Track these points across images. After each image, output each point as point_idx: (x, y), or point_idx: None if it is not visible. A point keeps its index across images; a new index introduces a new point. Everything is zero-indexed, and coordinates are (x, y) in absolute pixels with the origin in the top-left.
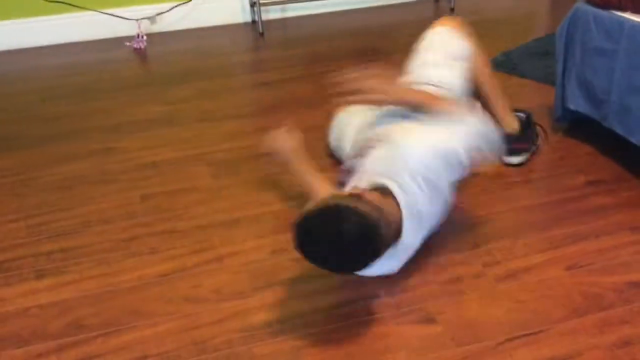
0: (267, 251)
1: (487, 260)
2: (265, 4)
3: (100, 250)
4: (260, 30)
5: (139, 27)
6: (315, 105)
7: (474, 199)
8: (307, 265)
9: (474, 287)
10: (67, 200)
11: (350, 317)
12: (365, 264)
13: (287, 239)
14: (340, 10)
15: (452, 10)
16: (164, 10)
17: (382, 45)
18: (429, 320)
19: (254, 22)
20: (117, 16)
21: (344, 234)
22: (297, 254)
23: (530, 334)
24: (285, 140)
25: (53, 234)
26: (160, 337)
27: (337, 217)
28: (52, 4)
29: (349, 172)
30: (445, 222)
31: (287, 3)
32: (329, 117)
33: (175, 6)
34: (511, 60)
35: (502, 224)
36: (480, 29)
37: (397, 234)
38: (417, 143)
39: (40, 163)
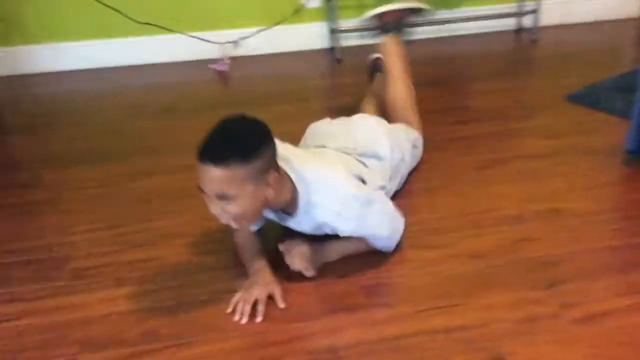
0: (336, 275)
1: (563, 301)
2: (344, 31)
3: (177, 262)
4: (338, 57)
5: (223, 50)
6: None
7: (552, 235)
8: (373, 293)
9: (550, 328)
10: (148, 212)
11: (417, 350)
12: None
13: (357, 263)
14: (418, 39)
15: (534, 42)
16: (247, 35)
17: (457, 75)
18: None
19: (332, 48)
20: (203, 39)
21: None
22: (363, 281)
23: None
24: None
25: (134, 244)
26: (228, 353)
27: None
28: (143, 25)
29: None
30: (520, 258)
31: (365, 30)
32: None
33: (259, 31)
34: (594, 94)
35: (580, 264)
36: (563, 62)
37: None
38: None
39: (125, 176)
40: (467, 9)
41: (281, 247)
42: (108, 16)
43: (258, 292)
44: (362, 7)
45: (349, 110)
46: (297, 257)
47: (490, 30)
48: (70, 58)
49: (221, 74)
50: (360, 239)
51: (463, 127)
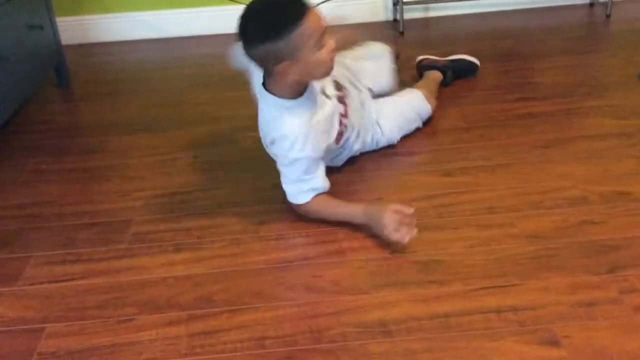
0: (389, 250)
1: (624, 287)
2: (407, 3)
3: (232, 231)
4: (401, 29)
5: None
6: (448, 105)
7: (616, 219)
8: (426, 270)
9: (608, 314)
10: (208, 181)
11: (468, 329)
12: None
13: (411, 241)
14: (484, 12)
15: (607, 16)
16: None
17: (523, 50)
18: (553, 343)
19: (395, 20)
20: None
21: None
22: (416, 257)
23: None
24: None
25: (192, 212)
26: (279, 321)
27: None
28: None
29: None
30: (580, 241)
31: (430, 3)
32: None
33: (318, 4)
34: None
35: None
36: (638, 39)
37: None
38: None
39: (185, 144)
40: None
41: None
42: None
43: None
44: None
45: (410, 83)
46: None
47: (561, 4)
48: (139, 27)
49: None
50: None
51: (527, 104)
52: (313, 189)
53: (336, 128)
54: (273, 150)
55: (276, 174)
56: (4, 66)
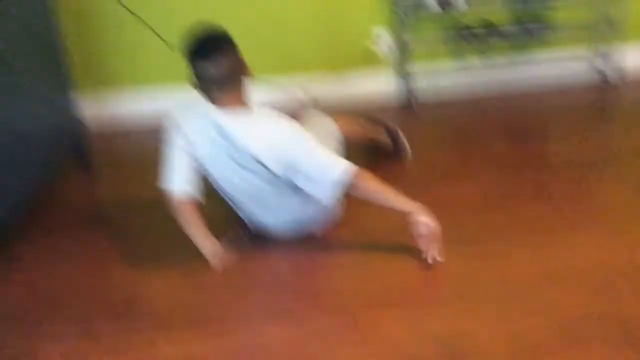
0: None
1: None
2: (415, 75)
3: None
4: (409, 102)
5: (296, 93)
6: (463, 178)
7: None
8: None
9: None
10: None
11: None
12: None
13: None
14: (491, 85)
15: (614, 88)
16: (313, 78)
17: (531, 120)
18: None
19: (401, 92)
20: (276, 83)
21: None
22: None
23: None
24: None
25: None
26: None
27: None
28: None
29: None
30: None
31: (437, 75)
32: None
33: (327, 75)
34: None
35: None
36: None
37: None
38: None
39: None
40: (546, 51)
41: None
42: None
43: None
44: (432, 53)
45: (420, 156)
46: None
47: (568, 74)
48: (160, 102)
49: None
50: None
51: (542, 177)
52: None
53: None
54: (295, 147)
55: None
56: (26, 146)
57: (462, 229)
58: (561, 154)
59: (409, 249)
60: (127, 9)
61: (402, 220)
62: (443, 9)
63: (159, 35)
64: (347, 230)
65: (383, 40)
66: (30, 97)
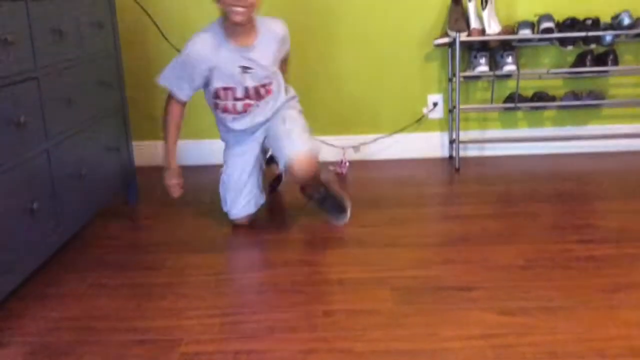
0: None
1: None
2: (464, 142)
3: (280, 357)
4: (457, 166)
5: (343, 154)
6: (506, 242)
7: None
8: None
9: None
10: (259, 304)
11: None
12: None
13: None
14: (540, 153)
15: None
16: (367, 141)
17: (583, 192)
18: None
19: (451, 157)
20: (326, 143)
21: None
22: None
23: None
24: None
25: (241, 334)
26: None
27: None
28: None
29: None
30: None
31: (486, 142)
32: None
33: (378, 138)
34: None
35: None
36: None
37: None
38: None
39: (239, 266)
40: (595, 126)
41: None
42: None
43: None
44: (482, 120)
45: (466, 217)
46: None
47: (622, 149)
48: (205, 154)
49: (340, 176)
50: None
51: (588, 247)
52: None
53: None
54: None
55: (328, 302)
56: (78, 183)
57: (499, 291)
58: (611, 225)
59: None
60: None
61: None
62: (496, 77)
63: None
64: None
65: (437, 106)
66: (93, 140)
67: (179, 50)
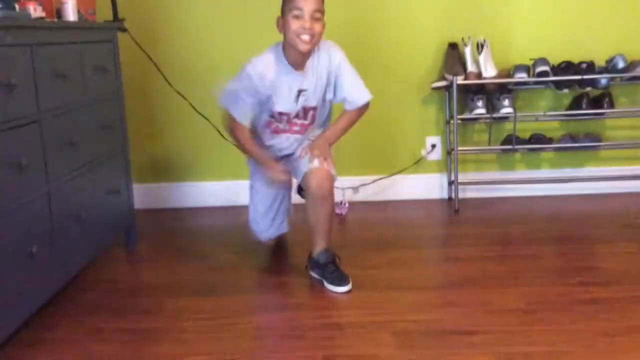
0: None
1: None
2: (463, 184)
3: None
4: (456, 208)
5: (343, 195)
6: (506, 285)
7: None
8: None
9: None
10: (257, 349)
11: None
12: None
13: None
14: (539, 195)
15: None
16: (367, 182)
17: (582, 234)
18: None
19: (450, 199)
20: None
21: None
22: None
23: None
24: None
25: None
26: None
27: None
28: None
29: None
30: None
31: (484, 184)
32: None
33: (378, 179)
34: None
35: None
36: None
37: None
38: None
39: (238, 310)
40: (593, 168)
41: (300, 151)
42: (243, 158)
43: None
44: (481, 162)
45: (466, 260)
46: (322, 148)
47: (620, 191)
48: (206, 196)
49: (340, 217)
50: (351, 118)
51: (590, 289)
52: None
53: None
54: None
55: (327, 346)
56: (78, 226)
57: (500, 335)
58: (612, 267)
59: None
60: (185, 98)
61: None
62: (493, 120)
63: (213, 124)
64: None
65: (435, 148)
66: (94, 182)
67: (181, 94)
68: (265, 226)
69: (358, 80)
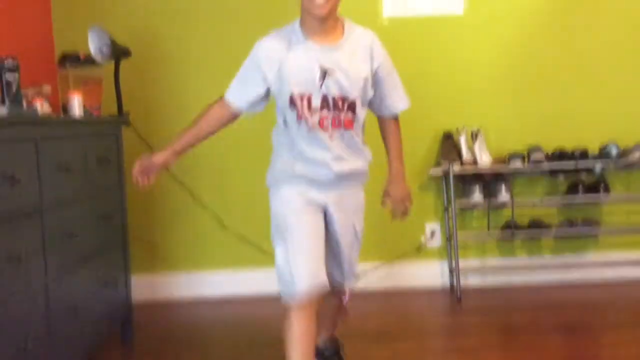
0: None
1: None
2: (464, 271)
3: None
4: (458, 296)
5: None
6: None
7: None
8: None
9: None
10: None
11: None
12: None
13: None
14: (540, 282)
15: None
16: (367, 269)
17: (586, 323)
18: None
19: (452, 287)
20: None
21: None
22: None
23: None
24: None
25: None
26: None
27: None
28: (270, 258)
29: None
30: None
31: (486, 271)
32: None
33: (378, 266)
34: None
35: None
36: None
37: None
38: None
39: None
40: (594, 254)
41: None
42: (243, 247)
43: None
44: (481, 248)
45: (470, 350)
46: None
47: (622, 277)
48: (206, 286)
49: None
50: (395, 132)
51: None
52: None
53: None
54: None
55: None
56: (73, 319)
57: None
58: (620, 354)
59: None
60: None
61: None
62: (491, 206)
63: (217, 215)
64: None
65: (435, 235)
66: (92, 275)
67: (182, 183)
68: (302, 265)
69: (399, 82)
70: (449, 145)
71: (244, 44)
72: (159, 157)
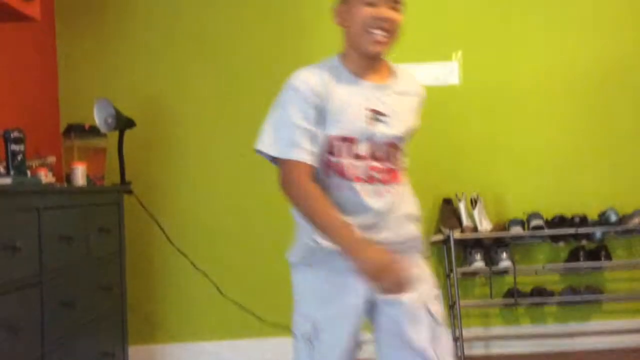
0: None
1: None
2: (468, 340)
3: None
4: None
5: None
6: None
7: None
8: None
9: None
10: None
11: None
12: None
13: None
14: (545, 351)
15: None
16: (368, 340)
17: None
18: None
19: (456, 356)
20: None
21: None
22: None
23: None
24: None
25: None
26: None
27: None
28: (272, 326)
29: None
30: None
31: (490, 340)
32: None
33: None
34: None
35: None
36: None
37: None
38: None
39: None
40: (598, 322)
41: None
42: (242, 317)
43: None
44: (484, 316)
45: None
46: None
47: (627, 345)
48: (204, 356)
49: None
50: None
51: None
52: None
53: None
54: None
55: None
56: None
57: None
58: None
59: None
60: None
61: None
62: (493, 273)
63: (212, 282)
64: None
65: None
66: (89, 345)
67: (183, 253)
68: None
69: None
70: (448, 211)
71: (249, 116)
72: (370, 245)
